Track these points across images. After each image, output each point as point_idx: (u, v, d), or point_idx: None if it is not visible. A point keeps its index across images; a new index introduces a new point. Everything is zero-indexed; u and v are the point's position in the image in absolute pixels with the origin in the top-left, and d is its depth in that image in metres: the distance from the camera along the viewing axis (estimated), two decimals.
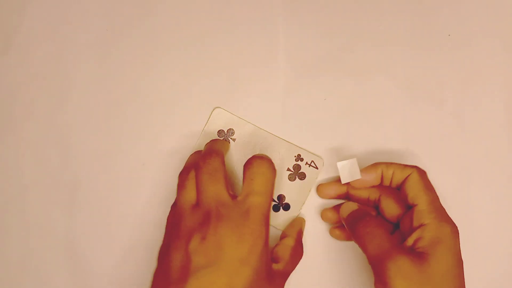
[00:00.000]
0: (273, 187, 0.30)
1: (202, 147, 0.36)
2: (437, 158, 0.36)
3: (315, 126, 0.37)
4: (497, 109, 0.37)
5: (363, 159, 0.34)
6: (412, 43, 0.38)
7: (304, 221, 0.34)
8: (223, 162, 0.30)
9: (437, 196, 0.30)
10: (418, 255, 0.27)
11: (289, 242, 0.31)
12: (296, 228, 0.33)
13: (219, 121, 0.37)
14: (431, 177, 0.31)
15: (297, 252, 0.32)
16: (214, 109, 0.37)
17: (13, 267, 0.35)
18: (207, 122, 0.37)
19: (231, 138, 0.37)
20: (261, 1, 0.38)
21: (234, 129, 0.37)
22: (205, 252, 0.26)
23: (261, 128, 0.37)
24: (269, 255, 0.29)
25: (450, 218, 0.29)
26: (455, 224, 0.28)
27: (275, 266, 0.29)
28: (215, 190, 0.29)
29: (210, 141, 0.35)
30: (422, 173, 0.30)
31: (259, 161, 0.30)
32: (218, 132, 0.37)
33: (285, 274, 0.30)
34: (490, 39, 0.38)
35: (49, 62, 0.38)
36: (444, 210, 0.29)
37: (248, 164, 0.30)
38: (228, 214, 0.28)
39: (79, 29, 0.38)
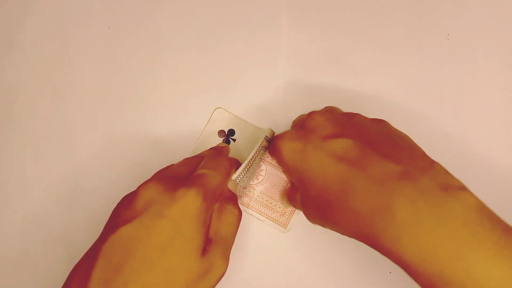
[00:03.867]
0: (228, 178, 0.30)
1: (202, 147, 0.36)
2: (437, 157, 0.36)
3: None
4: (496, 109, 0.37)
5: None
6: (411, 43, 0.38)
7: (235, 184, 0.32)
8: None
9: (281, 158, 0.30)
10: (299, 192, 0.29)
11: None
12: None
13: (220, 121, 0.37)
14: None
15: (227, 212, 0.29)
16: (215, 109, 0.37)
17: (13, 265, 0.35)
18: (208, 122, 0.37)
19: (231, 138, 0.37)
20: (262, 2, 0.39)
21: (234, 129, 0.37)
22: (133, 207, 0.25)
23: (261, 128, 0.37)
24: (207, 230, 0.27)
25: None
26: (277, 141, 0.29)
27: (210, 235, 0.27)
28: (182, 169, 0.29)
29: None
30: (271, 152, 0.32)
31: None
32: (218, 132, 0.37)
33: (221, 242, 0.27)
34: (489, 39, 0.38)
35: (52, 60, 0.38)
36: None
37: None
38: (167, 176, 0.28)
39: (82, 27, 0.39)
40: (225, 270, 0.27)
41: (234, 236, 0.29)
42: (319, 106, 0.37)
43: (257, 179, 0.36)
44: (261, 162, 0.36)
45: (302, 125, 0.29)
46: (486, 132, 0.36)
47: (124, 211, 0.26)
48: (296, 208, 0.34)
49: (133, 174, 0.36)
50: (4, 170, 0.36)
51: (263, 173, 0.36)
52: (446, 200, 0.21)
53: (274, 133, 0.35)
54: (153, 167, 0.36)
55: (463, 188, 0.22)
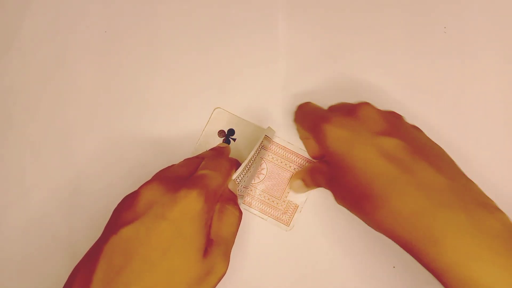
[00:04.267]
0: (228, 178, 0.29)
1: (202, 147, 0.36)
2: None
3: None
4: (495, 103, 0.37)
5: None
6: (409, 39, 0.38)
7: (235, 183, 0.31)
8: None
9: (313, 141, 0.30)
10: (332, 175, 0.29)
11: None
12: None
13: (220, 121, 0.37)
14: None
15: (227, 212, 0.29)
16: (214, 109, 0.37)
17: (15, 268, 0.35)
18: (207, 122, 0.37)
19: (231, 138, 0.37)
20: (261, 2, 0.39)
21: (234, 129, 0.37)
22: (135, 208, 0.25)
23: (261, 127, 0.37)
24: (208, 231, 0.27)
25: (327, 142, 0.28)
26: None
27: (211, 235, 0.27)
28: (184, 169, 0.29)
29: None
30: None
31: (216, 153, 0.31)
32: (218, 132, 0.37)
33: (222, 243, 0.27)
34: (487, 33, 0.38)
35: (50, 63, 0.38)
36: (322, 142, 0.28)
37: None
38: (168, 176, 0.28)
39: (80, 30, 0.39)
40: (226, 271, 0.27)
41: (235, 237, 0.29)
42: (317, 103, 0.37)
43: (258, 178, 0.36)
44: (262, 161, 0.36)
45: (351, 112, 0.28)
46: (485, 125, 0.36)
47: (125, 212, 0.26)
48: (310, 188, 0.34)
49: (133, 175, 0.36)
50: (4, 174, 0.36)
51: (264, 171, 0.36)
52: (485, 216, 0.23)
53: (275, 131, 0.35)
54: (153, 168, 0.36)
55: (498, 208, 0.24)
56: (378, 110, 0.28)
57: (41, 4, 0.39)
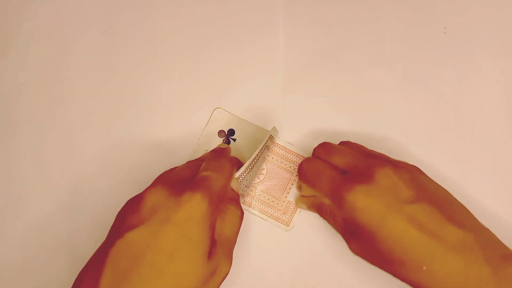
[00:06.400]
0: (230, 179, 0.29)
1: (202, 148, 0.36)
2: (436, 150, 0.36)
3: (314, 122, 0.37)
4: (495, 100, 0.37)
5: None
6: (408, 37, 0.38)
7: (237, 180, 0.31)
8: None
9: (325, 180, 0.30)
10: (354, 234, 0.29)
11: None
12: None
13: (220, 121, 0.37)
14: (430, 170, 0.31)
15: (229, 212, 0.29)
16: (214, 110, 0.37)
17: (16, 272, 0.35)
18: (207, 122, 0.37)
19: (231, 138, 0.37)
20: (259, 2, 0.39)
21: (234, 129, 0.37)
22: (140, 212, 0.25)
23: (261, 127, 0.37)
24: (213, 233, 0.27)
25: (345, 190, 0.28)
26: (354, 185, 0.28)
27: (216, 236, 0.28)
28: (184, 172, 0.29)
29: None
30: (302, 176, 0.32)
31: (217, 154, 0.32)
32: (218, 132, 0.37)
33: (225, 243, 0.28)
34: (486, 31, 0.38)
35: (49, 64, 0.38)
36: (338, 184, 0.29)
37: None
38: (171, 180, 0.28)
39: (79, 31, 0.39)
40: (229, 270, 0.27)
41: (237, 236, 0.29)
42: (317, 102, 0.37)
43: (259, 178, 0.36)
44: (263, 161, 0.36)
45: (367, 177, 0.28)
46: (484, 123, 0.36)
47: (130, 216, 0.26)
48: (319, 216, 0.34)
49: (134, 177, 0.36)
50: (5, 177, 0.36)
51: (264, 171, 0.36)
52: (505, 267, 0.25)
53: (278, 131, 0.35)
54: (154, 170, 0.36)
55: None
56: (395, 170, 0.28)
57: (41, 4, 0.39)
